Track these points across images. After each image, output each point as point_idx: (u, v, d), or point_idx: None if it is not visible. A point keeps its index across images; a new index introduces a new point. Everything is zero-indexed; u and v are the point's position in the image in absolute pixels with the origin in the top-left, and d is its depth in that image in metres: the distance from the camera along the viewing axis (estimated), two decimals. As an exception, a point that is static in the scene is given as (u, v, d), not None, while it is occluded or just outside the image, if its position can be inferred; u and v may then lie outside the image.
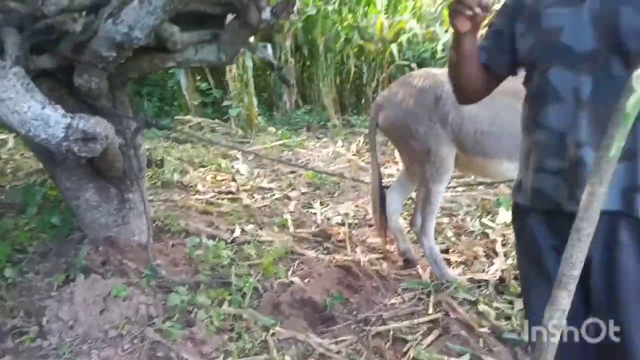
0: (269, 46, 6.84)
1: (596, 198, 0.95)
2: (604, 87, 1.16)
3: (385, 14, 4.32)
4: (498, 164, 2.74)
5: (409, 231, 3.28)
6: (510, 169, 2.71)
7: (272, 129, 7.01)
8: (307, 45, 7.82)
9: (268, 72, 7.96)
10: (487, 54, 1.39)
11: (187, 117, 7.12)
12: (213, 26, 2.61)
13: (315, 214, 4.02)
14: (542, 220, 1.32)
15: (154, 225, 3.28)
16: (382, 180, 3.20)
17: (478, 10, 1.21)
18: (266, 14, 2.27)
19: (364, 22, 7.49)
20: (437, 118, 2.72)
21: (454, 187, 4.57)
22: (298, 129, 7.35)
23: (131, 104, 3.12)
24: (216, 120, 7.16)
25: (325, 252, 3.36)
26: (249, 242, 3.36)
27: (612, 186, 1.08)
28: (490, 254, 3.28)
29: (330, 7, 3.94)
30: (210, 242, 3.29)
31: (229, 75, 6.94)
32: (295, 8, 2.80)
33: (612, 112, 0.96)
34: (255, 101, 7.09)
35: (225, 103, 7.06)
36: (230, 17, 2.62)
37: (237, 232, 3.54)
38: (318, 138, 6.93)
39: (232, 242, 3.41)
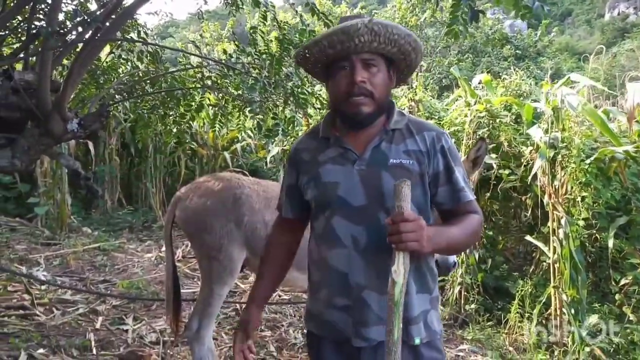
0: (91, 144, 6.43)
1: None
2: (375, 236, 1.34)
3: (212, 127, 4.42)
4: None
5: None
6: (300, 278, 2.79)
7: (87, 230, 6.34)
8: (135, 144, 7.57)
9: (89, 167, 7.39)
10: (291, 209, 1.57)
11: (-21, 214, 6.09)
12: (11, 130, 2.33)
13: (126, 331, 3.58)
14: (333, 348, 1.43)
15: None
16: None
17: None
18: (72, 125, 2.11)
19: (195, 128, 7.59)
20: (233, 217, 2.76)
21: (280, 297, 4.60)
22: (118, 230, 6.79)
23: None
24: (17, 219, 6.23)
25: (133, 378, 2.96)
26: (36, 372, 2.80)
27: None
28: (311, 367, 3.25)
29: (153, 116, 3.90)
30: (-18, 375, 2.66)
31: (38, 170, 6.22)
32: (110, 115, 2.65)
33: (383, 257, 1.28)
34: (69, 199, 6.40)
35: (31, 199, 6.22)
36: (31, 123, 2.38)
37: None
38: (141, 241, 6.47)
39: (13, 372, 2.81)
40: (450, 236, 1.33)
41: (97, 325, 3.61)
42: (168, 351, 3.32)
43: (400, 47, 1.37)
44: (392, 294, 1.22)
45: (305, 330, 3.75)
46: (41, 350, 3.08)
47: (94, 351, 3.20)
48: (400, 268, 1.23)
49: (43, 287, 4.26)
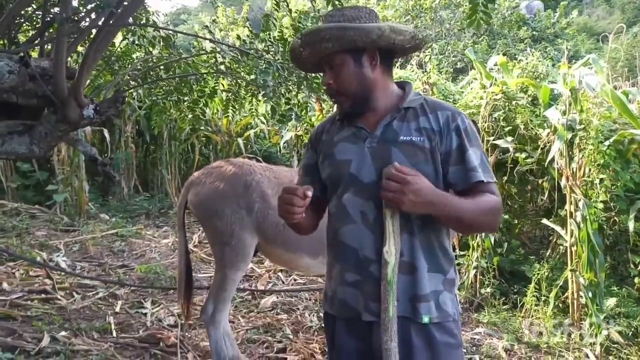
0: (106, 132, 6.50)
1: (392, 352, 1.28)
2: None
3: (225, 112, 4.44)
4: (299, 258, 2.83)
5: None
6: (311, 264, 2.83)
7: (105, 216, 6.44)
8: (150, 131, 7.63)
9: (105, 155, 7.48)
10: (313, 188, 1.50)
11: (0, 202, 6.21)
12: (28, 117, 2.36)
13: (145, 314, 3.65)
14: (346, 328, 1.46)
15: None
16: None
17: (302, 203, 1.34)
18: (88, 111, 2.13)
19: (208, 115, 7.61)
20: (244, 204, 2.77)
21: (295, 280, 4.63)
22: (135, 216, 6.89)
23: None
24: (36, 206, 6.35)
25: (152, 360, 3.02)
26: (58, 354, 2.87)
27: (404, 296, 1.35)
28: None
29: (167, 103, 3.92)
30: (7, 356, 2.73)
31: (56, 157, 6.31)
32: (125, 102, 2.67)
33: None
34: (86, 186, 6.50)
35: (49, 187, 6.33)
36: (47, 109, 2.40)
37: (46, 341, 3.01)
38: (158, 227, 6.55)
39: (37, 353, 2.88)
40: (458, 206, 1.31)
41: (117, 309, 3.69)
42: (186, 334, 3.37)
43: (346, 39, 1.36)
44: (385, 273, 1.29)
45: (321, 313, 3.83)
46: (63, 333, 3.15)
47: (114, 334, 3.28)
48: (391, 248, 1.30)
49: (64, 273, 4.35)
